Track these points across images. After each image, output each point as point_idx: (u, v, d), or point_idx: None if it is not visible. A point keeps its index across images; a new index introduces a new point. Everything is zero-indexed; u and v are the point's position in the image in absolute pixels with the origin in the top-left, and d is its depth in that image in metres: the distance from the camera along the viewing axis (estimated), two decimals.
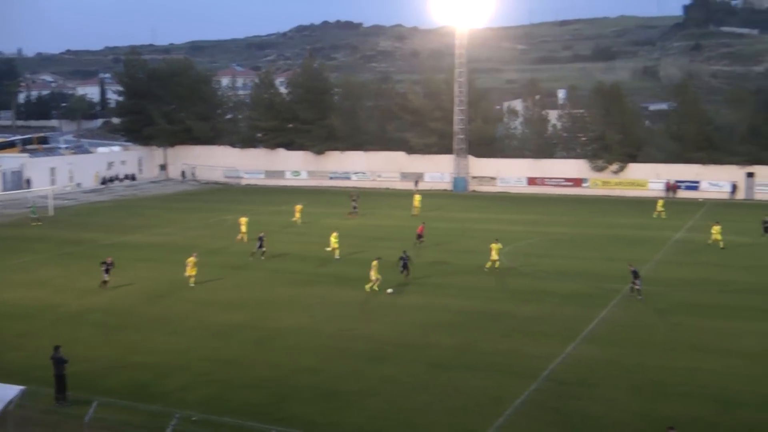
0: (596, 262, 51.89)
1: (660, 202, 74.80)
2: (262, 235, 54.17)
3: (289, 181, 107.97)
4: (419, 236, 57.28)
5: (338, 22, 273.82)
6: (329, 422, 26.20)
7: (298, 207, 69.86)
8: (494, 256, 48.94)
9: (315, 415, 26.76)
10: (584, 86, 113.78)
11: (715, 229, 56.55)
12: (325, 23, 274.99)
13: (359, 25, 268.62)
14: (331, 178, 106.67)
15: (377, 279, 43.26)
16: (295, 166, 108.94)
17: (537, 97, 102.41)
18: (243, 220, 59.71)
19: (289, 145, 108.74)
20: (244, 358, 32.61)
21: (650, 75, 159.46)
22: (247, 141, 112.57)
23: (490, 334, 35.69)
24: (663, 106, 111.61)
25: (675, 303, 41.07)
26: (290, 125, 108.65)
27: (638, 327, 36.68)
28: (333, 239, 53.65)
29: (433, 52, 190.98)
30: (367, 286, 43.22)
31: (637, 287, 41.59)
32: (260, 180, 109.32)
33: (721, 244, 55.61)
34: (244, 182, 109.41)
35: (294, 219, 69.10)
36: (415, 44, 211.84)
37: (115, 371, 30.97)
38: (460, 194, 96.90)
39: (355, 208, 73.91)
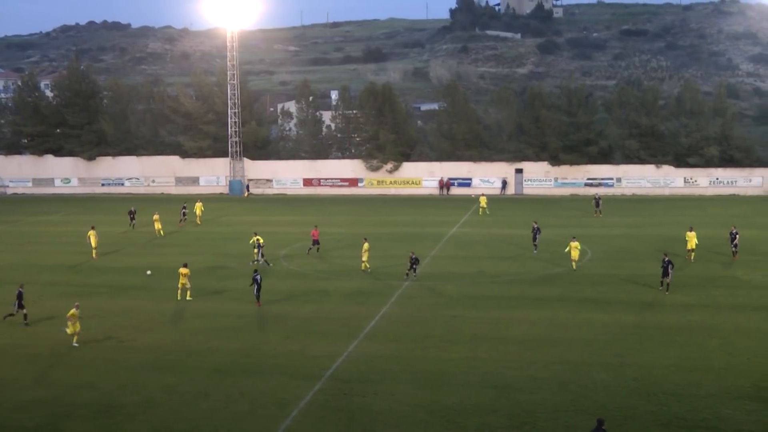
0: (374, 260, 52.76)
1: (483, 199, 77.69)
2: (260, 242, 52.23)
3: (59, 189, 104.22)
4: (315, 242, 55.62)
5: (105, 22, 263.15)
6: None
7: (156, 217, 64.96)
8: (364, 257, 49.02)
9: None
10: (356, 87, 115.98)
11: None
12: (91, 23, 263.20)
13: (127, 26, 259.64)
14: (103, 184, 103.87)
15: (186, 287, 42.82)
16: (64, 173, 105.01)
17: (310, 98, 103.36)
18: (92, 233, 55.51)
19: (58, 151, 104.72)
20: (15, 379, 30.57)
21: (420, 76, 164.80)
22: (11, 147, 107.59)
23: (272, 337, 35.56)
24: (434, 106, 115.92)
25: (452, 296, 42.68)
26: (58, 130, 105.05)
27: (418, 321, 37.69)
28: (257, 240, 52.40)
29: (204, 54, 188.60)
30: (187, 295, 42.60)
31: (412, 272, 45.99)
32: (27, 189, 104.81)
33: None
34: (9, 191, 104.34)
35: (157, 229, 64.29)
36: (185, 46, 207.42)
37: None
38: (236, 197, 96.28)
39: (184, 215, 71.37)
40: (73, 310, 34.25)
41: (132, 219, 67.33)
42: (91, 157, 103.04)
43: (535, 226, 55.92)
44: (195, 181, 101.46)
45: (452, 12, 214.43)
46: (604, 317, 37.85)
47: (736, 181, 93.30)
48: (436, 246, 58.16)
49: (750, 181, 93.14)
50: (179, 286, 42.60)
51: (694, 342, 33.74)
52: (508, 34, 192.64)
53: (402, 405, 27.29)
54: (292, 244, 58.19)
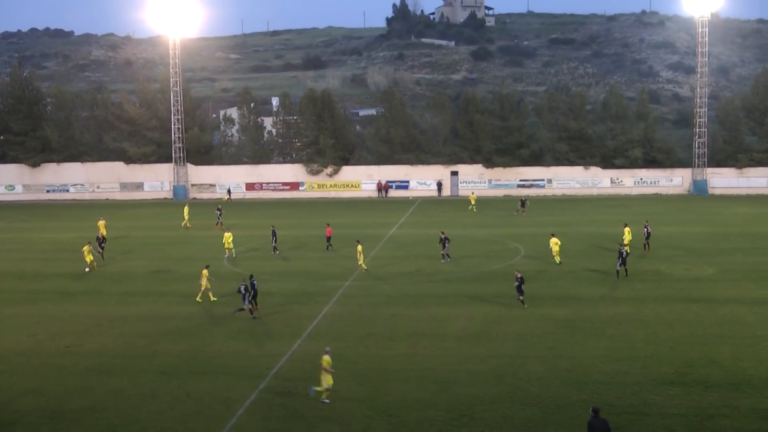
0: (315, 261, 52.82)
1: (473, 196, 79.30)
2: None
3: (2, 196, 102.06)
4: (329, 239, 56.70)
5: (47, 29, 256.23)
6: None
7: (102, 222, 62.67)
8: (361, 260, 48.28)
9: None
10: (296, 94, 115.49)
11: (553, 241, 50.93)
12: (34, 30, 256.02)
13: (70, 33, 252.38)
14: (48, 191, 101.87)
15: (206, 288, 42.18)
16: (8, 180, 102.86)
17: (251, 105, 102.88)
18: (86, 248, 51.19)
19: (2, 158, 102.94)
20: None
21: (358, 82, 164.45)
22: None
23: (217, 338, 35.15)
24: (372, 111, 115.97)
25: (392, 295, 42.72)
26: (1, 137, 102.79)
27: (359, 320, 37.65)
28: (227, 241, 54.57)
29: (147, 62, 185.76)
30: (199, 297, 42.01)
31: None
32: None
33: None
34: None
35: (102, 234, 61.45)
36: (128, 54, 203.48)
37: None
38: (180, 202, 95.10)
39: (220, 215, 70.64)
40: (326, 357, 27.63)
41: (101, 248, 56.17)
42: (35, 164, 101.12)
43: (443, 236, 52.69)
44: (140, 186, 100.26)
45: (389, 21, 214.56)
46: (538, 312, 38.23)
47: (658, 181, 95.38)
48: (375, 247, 58.17)
49: (671, 180, 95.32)
50: (202, 288, 42.00)
51: (621, 333, 34.32)
52: (443, 42, 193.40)
53: (344, 401, 27.22)
54: (236, 247, 57.67)
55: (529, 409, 26.10)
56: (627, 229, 53.10)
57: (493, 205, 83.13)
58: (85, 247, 51.48)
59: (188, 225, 70.85)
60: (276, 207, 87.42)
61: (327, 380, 27.18)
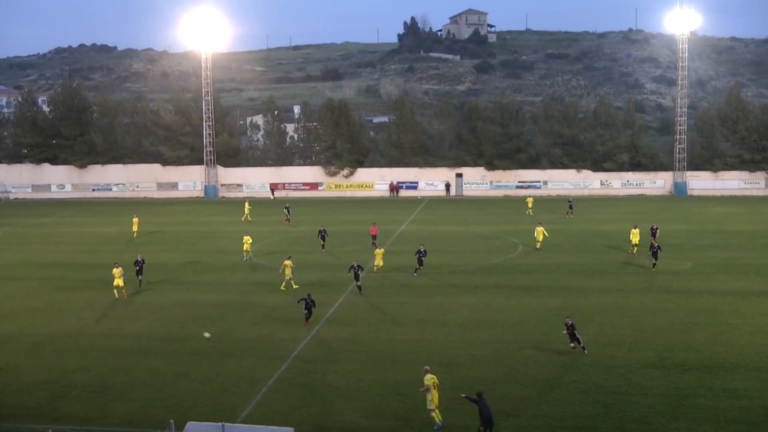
0: (332, 255, 52.85)
1: (530, 200, 76.76)
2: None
3: (55, 194, 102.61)
4: (374, 237, 55.41)
5: (94, 45, 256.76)
6: (102, 415, 24.82)
7: (135, 220, 63.43)
8: (378, 261, 46.41)
9: (88, 410, 25.27)
10: (316, 102, 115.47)
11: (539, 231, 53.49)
12: (82, 46, 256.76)
13: (114, 48, 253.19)
14: (93, 190, 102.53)
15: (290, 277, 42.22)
16: (59, 180, 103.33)
17: (275, 112, 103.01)
18: (116, 271, 40.96)
19: (54, 160, 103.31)
20: (18, 365, 30.02)
21: (372, 92, 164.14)
22: (13, 157, 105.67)
23: (244, 323, 35.35)
24: (384, 118, 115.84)
25: (401, 285, 42.78)
26: (54, 141, 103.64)
27: (371, 308, 37.72)
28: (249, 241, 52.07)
29: (181, 74, 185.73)
30: (282, 286, 41.94)
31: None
32: (28, 194, 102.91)
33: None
34: (12, 196, 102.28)
35: (134, 230, 62.67)
36: (165, 66, 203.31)
37: None
38: (211, 200, 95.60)
39: (289, 213, 70.63)
40: (429, 376, 24.17)
41: (138, 274, 43.67)
42: (82, 165, 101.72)
43: (422, 249, 46.58)
44: (174, 186, 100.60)
45: (400, 37, 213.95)
46: (533, 302, 38.25)
47: (643, 183, 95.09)
48: (386, 241, 58.11)
49: (654, 182, 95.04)
50: (286, 277, 42.00)
51: (609, 321, 34.34)
52: (449, 56, 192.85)
53: (358, 381, 27.35)
54: (260, 241, 57.88)
55: (526, 389, 26.16)
56: (636, 231, 51.27)
57: (495, 205, 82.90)
58: (114, 270, 41.35)
59: (249, 218, 70.87)
60: (297, 205, 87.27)
61: (434, 398, 23.83)
